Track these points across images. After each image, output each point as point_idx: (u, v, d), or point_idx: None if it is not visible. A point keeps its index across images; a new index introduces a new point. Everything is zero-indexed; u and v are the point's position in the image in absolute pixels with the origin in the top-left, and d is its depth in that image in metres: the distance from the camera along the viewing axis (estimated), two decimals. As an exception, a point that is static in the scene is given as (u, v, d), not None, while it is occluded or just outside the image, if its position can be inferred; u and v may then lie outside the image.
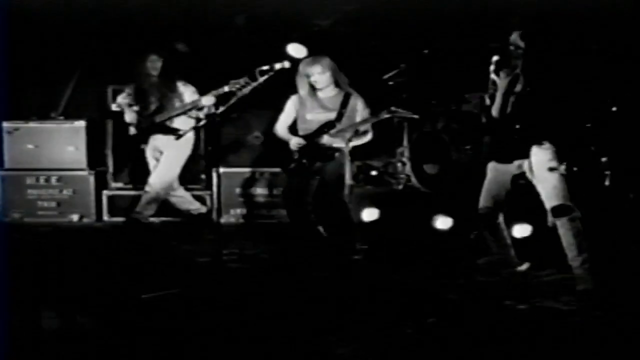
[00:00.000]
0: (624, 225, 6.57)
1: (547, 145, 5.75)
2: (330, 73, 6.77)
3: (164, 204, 8.06)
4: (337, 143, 6.73)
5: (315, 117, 6.81)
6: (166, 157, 7.83)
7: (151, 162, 7.94)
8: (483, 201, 6.05)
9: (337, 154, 6.74)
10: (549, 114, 5.80)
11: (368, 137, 6.86)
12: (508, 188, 5.97)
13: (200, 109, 7.43)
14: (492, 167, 6.03)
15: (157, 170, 7.86)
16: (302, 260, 6.59)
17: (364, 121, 6.73)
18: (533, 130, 5.74)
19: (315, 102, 6.82)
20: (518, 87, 5.65)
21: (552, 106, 5.82)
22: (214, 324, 4.83)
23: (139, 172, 8.30)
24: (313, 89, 6.80)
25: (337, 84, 6.82)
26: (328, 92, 6.84)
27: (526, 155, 5.78)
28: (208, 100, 7.25)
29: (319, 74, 6.74)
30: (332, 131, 6.71)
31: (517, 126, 5.73)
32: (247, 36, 8.46)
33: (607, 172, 7.23)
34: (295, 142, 6.77)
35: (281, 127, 6.98)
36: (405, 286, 5.84)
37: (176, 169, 7.88)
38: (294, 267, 6.48)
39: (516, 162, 5.85)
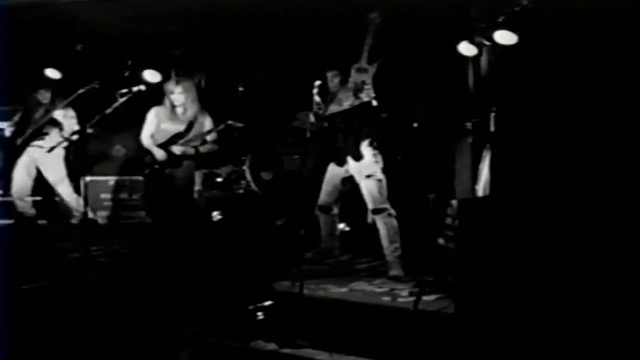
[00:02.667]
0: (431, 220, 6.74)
1: (371, 150, 5.86)
2: (187, 94, 6.69)
3: (50, 207, 7.86)
4: (186, 152, 6.63)
5: (169, 127, 6.71)
6: (47, 168, 7.61)
7: (24, 173, 7.61)
8: (321, 196, 6.15)
9: (186, 162, 6.66)
10: (373, 121, 5.92)
11: (213, 146, 6.80)
12: (339, 188, 6.07)
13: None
14: (330, 168, 6.13)
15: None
16: (158, 255, 6.43)
17: (207, 132, 6.66)
18: (358, 135, 5.84)
19: (171, 115, 6.72)
20: (348, 100, 5.76)
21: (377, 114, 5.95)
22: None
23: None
24: (172, 104, 6.68)
25: (191, 103, 6.72)
26: (181, 110, 6.75)
27: (356, 157, 5.86)
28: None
29: (179, 94, 6.64)
30: (181, 141, 6.62)
31: (342, 133, 5.84)
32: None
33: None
34: (160, 154, 6.62)
35: (146, 137, 6.81)
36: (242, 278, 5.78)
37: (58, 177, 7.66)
38: (152, 262, 6.31)
39: (344, 167, 5.94)
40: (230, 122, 6.67)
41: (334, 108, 5.89)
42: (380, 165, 5.90)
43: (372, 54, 5.83)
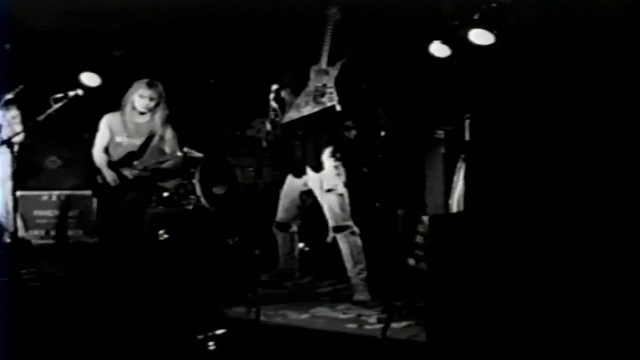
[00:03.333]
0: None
1: (333, 161, 5.85)
2: (157, 101, 6.50)
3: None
4: (141, 174, 6.54)
5: (124, 140, 6.55)
6: None
7: None
8: (279, 212, 6.13)
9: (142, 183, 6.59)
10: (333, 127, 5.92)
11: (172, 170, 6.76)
12: (298, 203, 6.06)
13: None
14: (287, 181, 6.12)
15: None
16: (98, 279, 6.36)
17: (164, 161, 6.57)
18: (318, 144, 5.83)
19: (128, 125, 6.54)
20: (308, 106, 5.76)
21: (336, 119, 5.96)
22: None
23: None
24: (134, 110, 6.50)
25: (159, 112, 6.56)
26: (144, 118, 6.58)
27: (316, 168, 5.85)
28: None
29: (148, 99, 6.46)
30: (136, 163, 6.49)
31: (300, 141, 5.83)
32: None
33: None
34: (111, 179, 6.48)
35: (98, 152, 6.61)
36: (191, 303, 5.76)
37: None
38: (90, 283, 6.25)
39: (303, 179, 5.92)
40: (186, 149, 6.57)
41: (292, 114, 5.89)
42: (343, 178, 5.91)
43: (332, 55, 5.84)
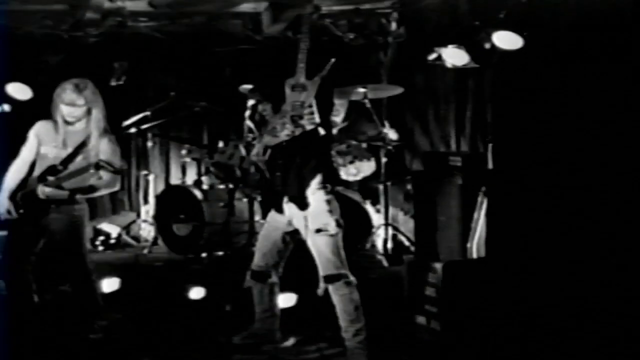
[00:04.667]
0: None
1: (322, 195, 5.80)
2: (88, 107, 6.28)
3: None
4: (56, 194, 6.27)
5: (50, 151, 6.35)
6: None
7: None
8: (256, 258, 6.04)
9: (68, 208, 6.31)
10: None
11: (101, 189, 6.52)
12: (280, 247, 5.98)
13: None
14: (268, 218, 6.05)
15: None
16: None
17: (75, 172, 6.28)
18: (301, 174, 5.78)
19: (59, 133, 6.35)
20: (285, 129, 5.71)
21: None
22: None
23: None
24: (63, 120, 6.31)
25: (94, 119, 6.33)
26: (76, 127, 6.38)
27: (301, 204, 5.79)
28: None
29: (77, 106, 6.27)
30: (51, 179, 6.23)
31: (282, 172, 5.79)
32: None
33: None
34: (3, 209, 6.31)
35: (15, 166, 6.41)
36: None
37: None
38: None
39: (287, 216, 5.85)
40: (102, 162, 6.34)
41: (267, 140, 5.83)
42: (335, 215, 5.85)
43: (311, 66, 5.81)
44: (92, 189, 6.24)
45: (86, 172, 6.11)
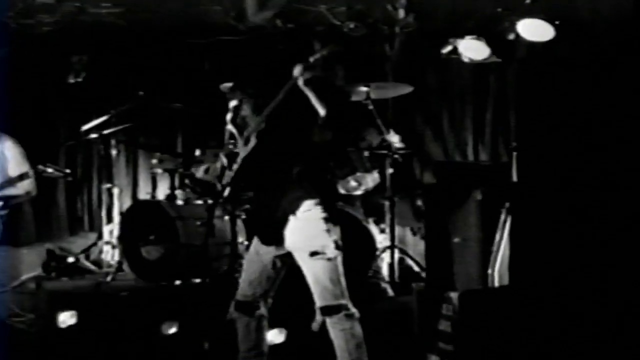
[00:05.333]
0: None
1: (319, 212, 5.78)
2: None
3: None
4: None
5: None
6: None
7: None
8: (241, 287, 6.01)
9: None
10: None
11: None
12: (270, 274, 5.95)
13: None
14: (254, 241, 6.01)
15: None
16: None
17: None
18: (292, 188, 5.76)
19: None
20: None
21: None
22: None
23: None
24: None
25: None
26: None
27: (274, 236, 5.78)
28: None
29: None
30: None
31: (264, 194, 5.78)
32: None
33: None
34: None
35: None
36: None
37: None
38: None
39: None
40: (41, 167, 6.45)
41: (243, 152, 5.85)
42: (334, 235, 5.83)
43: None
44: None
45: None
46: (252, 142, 5.72)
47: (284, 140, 5.71)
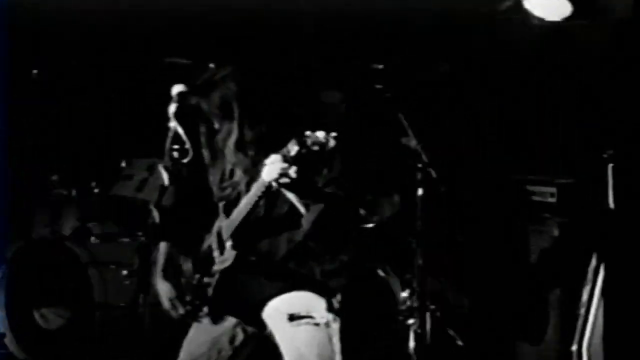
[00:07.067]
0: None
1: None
2: None
3: None
4: None
5: None
6: None
7: None
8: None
9: None
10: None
11: None
12: (226, 351, 5.96)
13: None
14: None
15: None
16: None
17: None
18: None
19: None
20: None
21: None
22: None
23: None
24: None
25: None
26: None
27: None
28: None
29: None
30: None
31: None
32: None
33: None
34: None
35: None
36: None
37: None
38: None
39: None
40: None
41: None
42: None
43: None
44: None
45: None
46: (229, 253, 5.74)
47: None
